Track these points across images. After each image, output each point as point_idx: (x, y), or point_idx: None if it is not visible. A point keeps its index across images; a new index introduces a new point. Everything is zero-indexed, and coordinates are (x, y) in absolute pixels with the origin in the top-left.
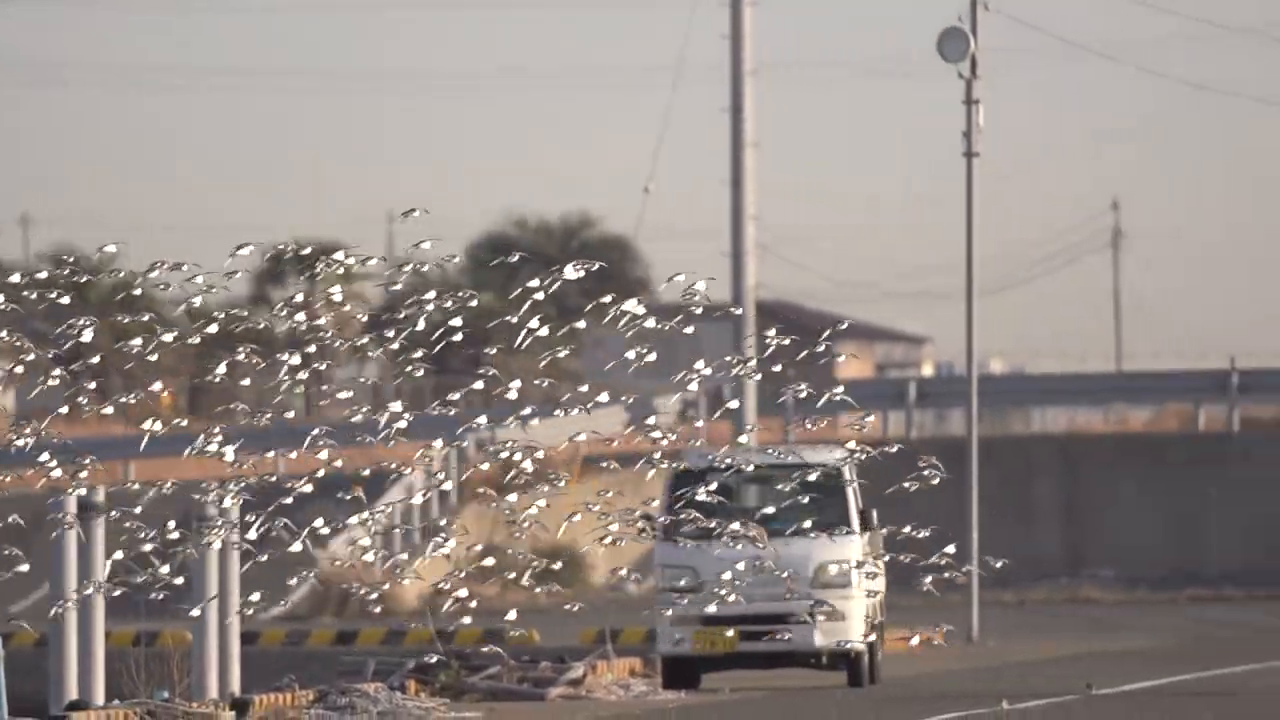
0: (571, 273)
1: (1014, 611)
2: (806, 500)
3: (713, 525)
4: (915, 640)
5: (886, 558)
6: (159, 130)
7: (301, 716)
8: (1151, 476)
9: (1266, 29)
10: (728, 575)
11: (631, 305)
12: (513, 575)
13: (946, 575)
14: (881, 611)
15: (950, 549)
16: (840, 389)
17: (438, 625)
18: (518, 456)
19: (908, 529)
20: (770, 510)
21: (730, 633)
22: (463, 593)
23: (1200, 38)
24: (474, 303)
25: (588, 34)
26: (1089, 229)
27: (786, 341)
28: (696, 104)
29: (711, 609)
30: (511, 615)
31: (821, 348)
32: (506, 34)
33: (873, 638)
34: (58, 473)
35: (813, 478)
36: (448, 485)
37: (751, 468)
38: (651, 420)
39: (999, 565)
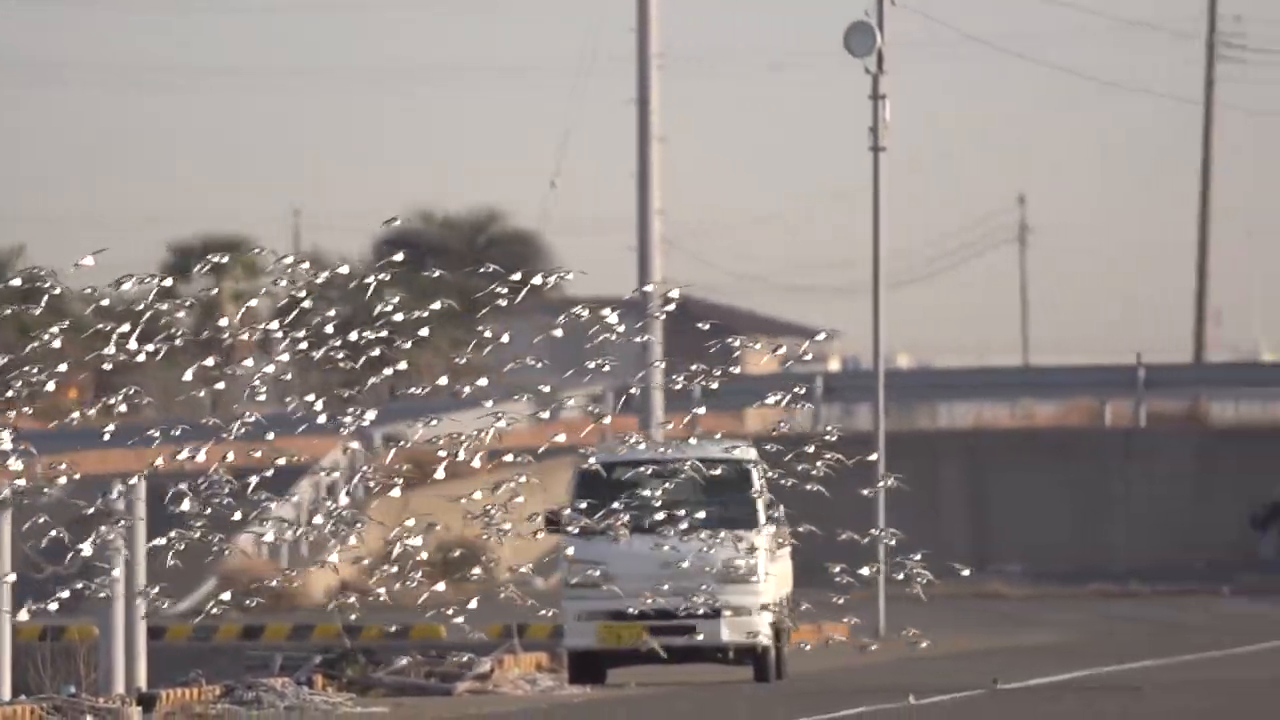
0: (542, 281)
1: (920, 606)
2: (738, 490)
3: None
4: (874, 646)
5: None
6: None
7: (208, 711)
8: (1058, 471)
9: (1171, 24)
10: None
11: (608, 313)
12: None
13: (919, 580)
14: (789, 606)
15: (917, 556)
16: (802, 391)
17: (344, 621)
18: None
19: (873, 531)
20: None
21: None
22: (440, 587)
23: (1107, 33)
24: (436, 305)
25: (498, 27)
26: (995, 224)
27: (761, 345)
28: (604, 98)
29: (663, 604)
30: (466, 612)
31: (803, 352)
32: (411, 30)
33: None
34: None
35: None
36: (394, 489)
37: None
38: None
39: (965, 572)
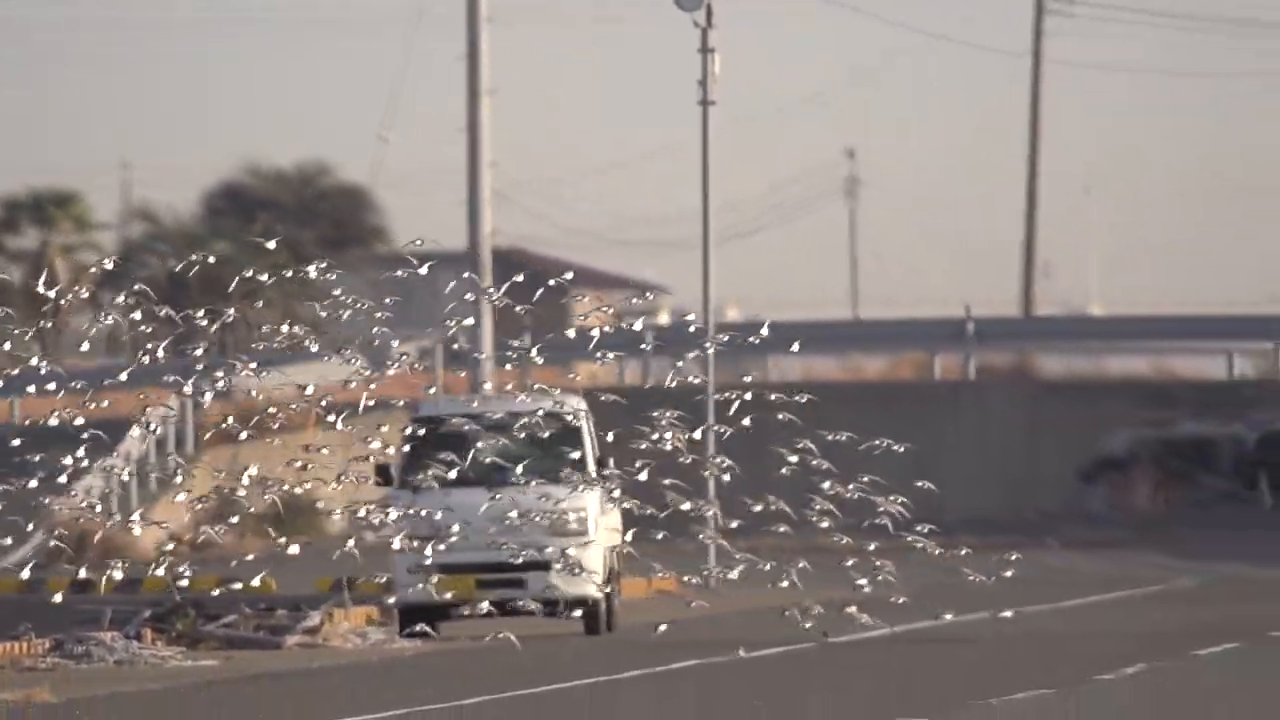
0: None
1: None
2: (569, 443)
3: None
4: (831, 632)
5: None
6: None
7: (38, 665)
8: (887, 425)
9: None
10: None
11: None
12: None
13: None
14: (619, 560)
15: (923, 528)
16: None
17: (174, 574)
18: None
19: (888, 503)
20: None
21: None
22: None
23: None
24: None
25: None
26: (824, 177)
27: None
28: (437, 51)
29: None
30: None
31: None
32: None
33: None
34: None
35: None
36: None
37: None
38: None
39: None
